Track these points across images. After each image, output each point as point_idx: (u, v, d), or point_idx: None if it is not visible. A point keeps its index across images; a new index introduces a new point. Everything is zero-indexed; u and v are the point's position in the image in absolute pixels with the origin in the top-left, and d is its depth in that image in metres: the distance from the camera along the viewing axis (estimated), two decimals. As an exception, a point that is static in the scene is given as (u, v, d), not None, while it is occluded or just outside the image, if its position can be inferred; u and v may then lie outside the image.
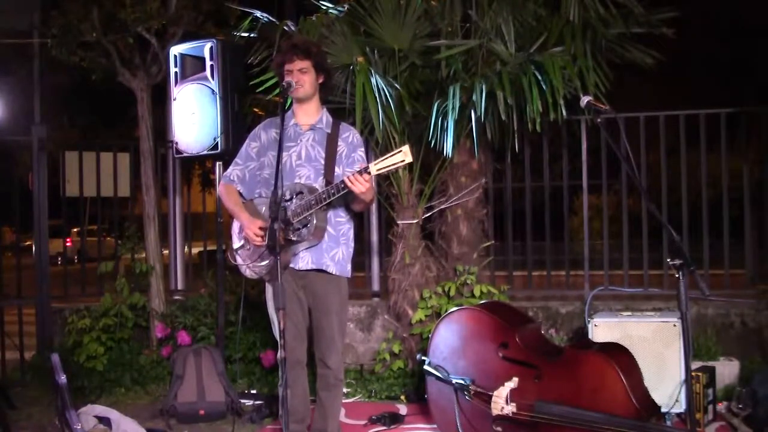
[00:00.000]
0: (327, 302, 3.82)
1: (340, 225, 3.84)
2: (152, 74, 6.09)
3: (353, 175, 3.47)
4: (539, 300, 5.96)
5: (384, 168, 3.40)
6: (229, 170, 4.00)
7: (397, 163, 3.36)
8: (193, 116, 5.08)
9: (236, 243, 3.92)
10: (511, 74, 4.86)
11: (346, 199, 3.71)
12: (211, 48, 5.01)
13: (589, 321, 4.68)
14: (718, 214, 5.79)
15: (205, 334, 5.71)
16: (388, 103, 4.98)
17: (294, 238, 3.65)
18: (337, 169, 3.79)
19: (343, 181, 3.52)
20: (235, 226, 3.93)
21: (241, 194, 3.94)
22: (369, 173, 3.44)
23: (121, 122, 14.09)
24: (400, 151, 3.35)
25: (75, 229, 15.54)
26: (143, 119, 6.15)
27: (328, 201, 3.60)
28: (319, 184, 3.74)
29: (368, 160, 3.71)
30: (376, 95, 4.87)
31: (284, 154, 3.76)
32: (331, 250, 3.79)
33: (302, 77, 3.75)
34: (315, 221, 3.66)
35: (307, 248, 3.75)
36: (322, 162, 3.79)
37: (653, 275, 5.97)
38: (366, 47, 5.20)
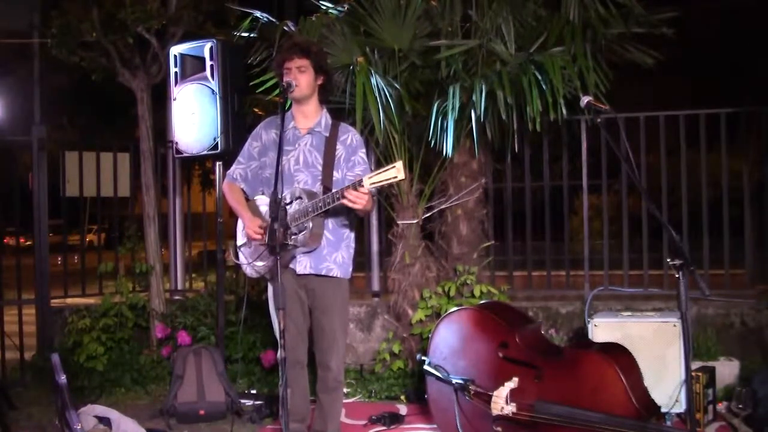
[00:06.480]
0: (328, 302, 3.82)
1: (340, 228, 3.83)
2: (152, 74, 6.09)
3: (348, 190, 3.44)
4: (539, 300, 5.95)
5: (377, 183, 3.39)
6: (231, 169, 4.01)
7: (390, 178, 3.36)
8: (193, 116, 5.08)
9: (240, 240, 3.93)
10: (511, 74, 4.86)
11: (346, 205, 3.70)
12: (211, 48, 5.00)
13: (589, 321, 4.68)
14: (718, 214, 5.78)
15: (205, 334, 5.71)
16: (388, 103, 4.98)
17: (290, 243, 3.65)
18: (336, 173, 3.77)
19: (339, 191, 3.50)
20: (240, 223, 3.94)
21: (244, 192, 3.95)
22: (363, 186, 3.42)
23: (121, 122, 14.07)
24: (394, 167, 3.34)
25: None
26: (143, 119, 6.15)
27: (324, 210, 3.59)
28: (317, 189, 3.73)
29: (369, 161, 3.69)
30: (376, 95, 4.87)
31: (283, 158, 3.75)
32: (331, 254, 3.78)
33: (299, 76, 3.72)
34: (311, 227, 3.64)
35: (305, 253, 3.74)
36: (320, 168, 3.77)
37: (653, 275, 5.96)
38: (366, 47, 5.20)
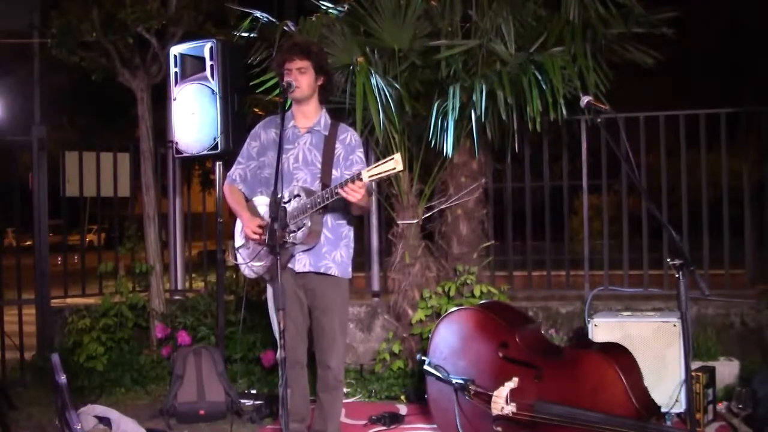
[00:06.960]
0: (327, 301, 3.82)
1: (339, 227, 3.83)
2: (152, 74, 6.09)
3: (346, 183, 3.46)
4: (539, 300, 5.95)
5: (376, 175, 3.40)
6: (232, 170, 4.02)
7: (389, 170, 3.36)
8: (193, 116, 5.08)
9: (238, 242, 3.93)
10: (511, 74, 4.86)
11: (344, 202, 3.71)
12: (211, 48, 5.00)
13: (589, 321, 4.68)
14: (718, 214, 5.78)
15: (205, 334, 5.71)
16: (388, 103, 4.98)
17: (289, 240, 3.65)
18: (334, 172, 3.77)
19: (336, 186, 3.51)
20: (238, 225, 3.94)
21: (244, 193, 3.95)
22: (361, 180, 3.43)
23: (121, 122, 14.08)
24: (392, 158, 3.35)
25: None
26: (143, 119, 6.15)
27: (322, 205, 3.59)
28: (316, 188, 3.73)
29: (368, 161, 3.70)
30: (376, 95, 4.87)
31: (282, 156, 3.76)
32: (331, 253, 3.79)
33: (300, 77, 3.74)
34: (310, 224, 3.65)
35: (304, 251, 3.74)
36: (319, 166, 3.78)
37: (653, 275, 5.96)
38: (366, 47, 5.20)
